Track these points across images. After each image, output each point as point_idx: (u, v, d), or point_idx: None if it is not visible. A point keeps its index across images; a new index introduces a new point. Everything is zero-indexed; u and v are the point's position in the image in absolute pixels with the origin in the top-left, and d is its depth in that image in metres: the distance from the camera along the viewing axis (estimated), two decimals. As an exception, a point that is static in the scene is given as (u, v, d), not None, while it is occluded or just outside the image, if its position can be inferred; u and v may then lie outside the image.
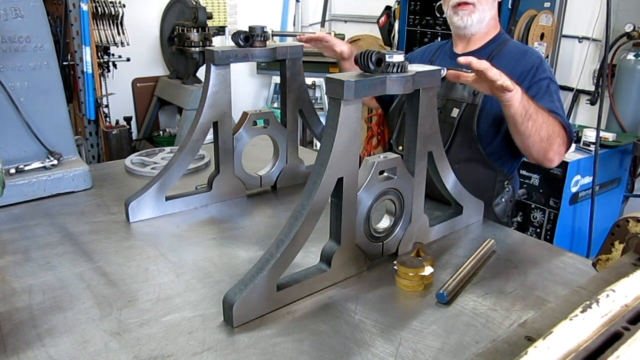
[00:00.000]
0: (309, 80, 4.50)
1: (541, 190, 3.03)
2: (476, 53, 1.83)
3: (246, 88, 5.36)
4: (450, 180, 1.44)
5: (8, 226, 1.49)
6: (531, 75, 1.72)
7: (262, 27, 1.61)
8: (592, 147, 2.91)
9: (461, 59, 1.37)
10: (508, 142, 1.77)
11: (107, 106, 3.78)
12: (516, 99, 1.47)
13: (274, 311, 1.11)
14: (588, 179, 3.00)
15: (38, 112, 1.71)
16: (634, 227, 0.90)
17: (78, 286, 1.19)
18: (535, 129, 1.56)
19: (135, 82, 4.56)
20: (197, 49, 3.94)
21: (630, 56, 3.25)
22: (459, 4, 1.78)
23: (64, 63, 3.42)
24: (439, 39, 3.68)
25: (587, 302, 0.60)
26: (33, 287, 1.18)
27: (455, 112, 1.78)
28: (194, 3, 4.06)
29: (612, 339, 0.57)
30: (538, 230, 3.08)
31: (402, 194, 1.29)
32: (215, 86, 1.57)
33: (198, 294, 1.17)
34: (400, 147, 1.90)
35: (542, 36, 3.39)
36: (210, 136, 1.61)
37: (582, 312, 0.58)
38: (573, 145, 2.97)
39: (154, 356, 0.96)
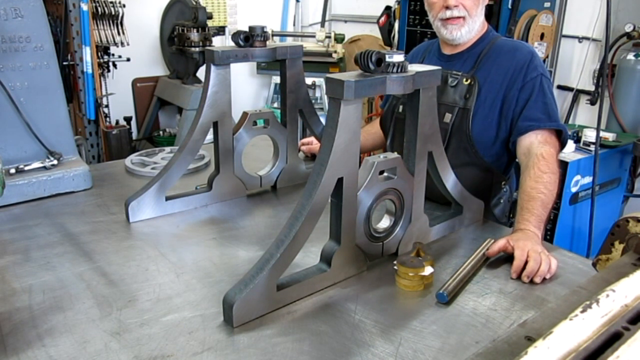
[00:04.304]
0: (309, 80, 4.49)
1: (541, 190, 3.02)
2: (465, 53, 1.79)
3: (246, 88, 5.35)
4: (450, 180, 1.44)
5: (8, 226, 1.49)
6: (523, 74, 1.68)
7: (262, 27, 1.61)
8: (592, 147, 2.91)
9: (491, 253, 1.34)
10: (503, 144, 1.76)
11: (107, 106, 3.78)
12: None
13: (274, 311, 1.11)
14: (588, 179, 3.00)
15: (38, 112, 1.71)
16: (634, 227, 0.90)
17: (78, 286, 1.19)
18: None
19: (135, 82, 4.55)
20: (197, 49, 3.93)
21: (630, 56, 3.25)
22: (448, 19, 1.71)
23: (64, 63, 3.42)
24: (439, 39, 3.67)
25: (587, 302, 0.60)
26: (33, 287, 1.18)
27: (448, 117, 1.73)
28: (194, 3, 4.05)
29: (612, 339, 0.57)
30: (538, 230, 3.07)
31: (402, 194, 1.29)
32: (215, 86, 1.57)
33: (198, 294, 1.17)
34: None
35: (542, 36, 3.39)
36: (210, 136, 1.61)
37: (582, 312, 0.58)
38: (573, 146, 2.97)
39: (154, 356, 0.96)
